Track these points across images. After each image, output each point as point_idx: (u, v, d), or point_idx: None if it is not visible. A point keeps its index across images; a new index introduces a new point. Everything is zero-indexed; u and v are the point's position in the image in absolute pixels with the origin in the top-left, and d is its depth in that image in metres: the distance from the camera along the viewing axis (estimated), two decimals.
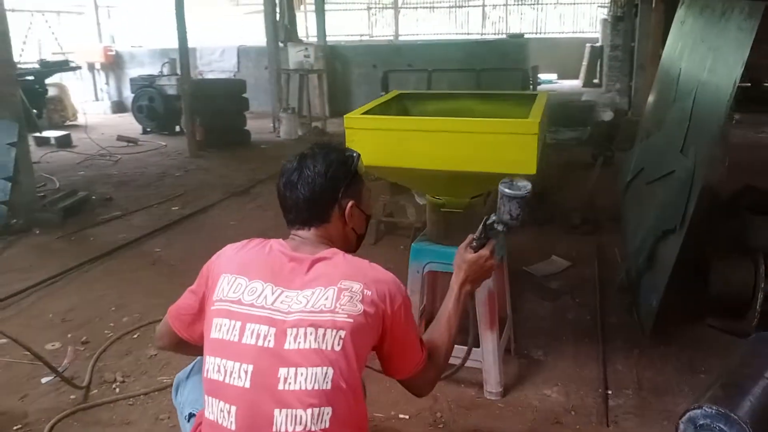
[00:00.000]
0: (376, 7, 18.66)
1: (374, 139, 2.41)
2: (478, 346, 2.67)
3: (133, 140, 8.83)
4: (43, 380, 2.88)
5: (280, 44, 10.09)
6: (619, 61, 10.85)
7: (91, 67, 13.43)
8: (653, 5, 7.07)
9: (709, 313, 3.29)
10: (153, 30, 15.16)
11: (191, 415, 1.70)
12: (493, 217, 1.82)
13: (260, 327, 1.41)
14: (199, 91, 8.17)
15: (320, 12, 11.34)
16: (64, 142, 8.70)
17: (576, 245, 4.44)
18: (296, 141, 8.61)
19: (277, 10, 10.02)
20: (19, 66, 9.29)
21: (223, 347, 1.42)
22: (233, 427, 1.37)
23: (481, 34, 17.29)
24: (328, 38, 12.05)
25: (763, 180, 4.13)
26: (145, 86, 9.60)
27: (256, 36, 13.89)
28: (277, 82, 9.61)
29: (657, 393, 2.75)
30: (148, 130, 9.70)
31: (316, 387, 1.37)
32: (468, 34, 17.46)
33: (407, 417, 2.62)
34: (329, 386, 1.38)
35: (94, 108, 12.83)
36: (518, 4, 17.84)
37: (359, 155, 1.69)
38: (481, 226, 1.84)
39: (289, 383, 1.37)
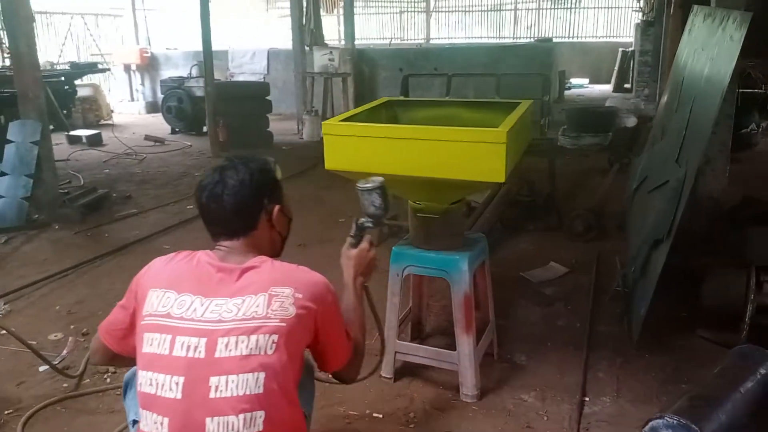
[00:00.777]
0: (408, 11, 18.71)
1: (350, 146, 2.49)
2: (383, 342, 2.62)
3: (160, 140, 9.08)
4: (41, 368, 3.02)
5: (306, 48, 10.23)
6: (649, 66, 10.70)
7: (127, 68, 13.84)
8: (671, 11, 6.98)
9: (702, 324, 3.26)
10: (187, 33, 15.51)
11: (135, 422, 1.73)
12: (362, 219, 2.04)
13: (190, 339, 1.45)
14: (223, 93, 8.36)
15: (349, 16, 11.42)
16: (95, 141, 8.99)
17: (577, 252, 4.43)
18: (318, 142, 8.68)
19: (304, 13, 10.16)
20: (50, 67, 9.67)
21: (155, 361, 1.46)
22: None
23: (513, 38, 17.18)
24: (357, 41, 12.15)
25: None
26: (174, 88, 9.85)
27: (287, 39, 14.12)
28: (302, 85, 9.76)
29: (635, 402, 2.74)
30: (177, 130, 9.96)
31: (248, 392, 1.42)
32: (500, 38, 17.36)
33: (380, 416, 2.67)
34: (261, 390, 1.43)
35: (129, 108, 13.23)
36: (552, 8, 17.67)
37: (276, 161, 1.76)
38: (353, 225, 2.04)
39: (221, 391, 1.41)
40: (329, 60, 9.54)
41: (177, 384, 1.43)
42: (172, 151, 8.49)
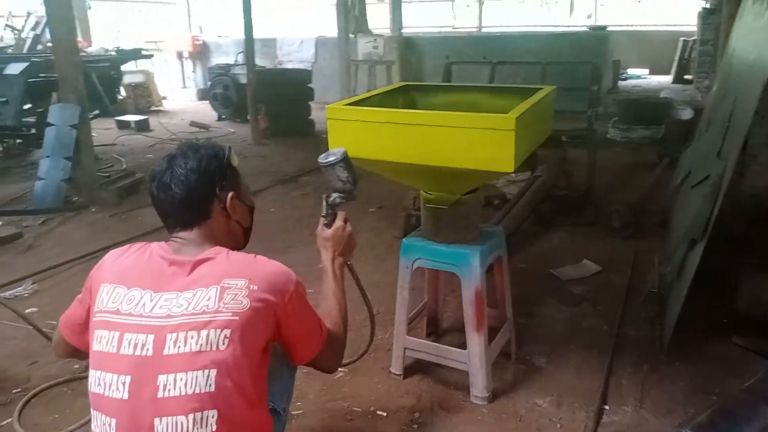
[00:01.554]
0: None
1: (354, 131, 2.38)
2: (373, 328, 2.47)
3: (204, 126, 9.19)
4: None
5: (351, 35, 10.15)
6: (709, 56, 10.16)
7: (179, 55, 14.11)
8: None
9: (738, 331, 3.03)
10: (238, 21, 15.70)
11: None
12: (332, 195, 1.96)
13: (138, 336, 1.38)
14: (265, 81, 8.37)
15: (396, 3, 11.32)
16: (143, 126, 9.18)
17: (614, 250, 4.20)
18: None
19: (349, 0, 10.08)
20: (104, 54, 9.90)
21: (103, 359, 1.40)
22: None
23: (568, 27, 16.66)
24: (409, 30, 11.99)
25: None
26: (220, 75, 9.95)
27: (335, 27, 14.09)
28: (346, 73, 9.70)
29: (658, 413, 2.55)
30: (223, 117, 10.06)
31: (198, 390, 1.34)
32: (555, 26, 16.86)
33: (384, 414, 2.57)
34: (213, 388, 1.35)
35: (181, 95, 13.47)
36: None
37: (231, 148, 1.66)
38: (324, 204, 1.96)
39: (169, 390, 1.34)
40: (373, 47, 9.45)
41: (124, 384, 1.36)
42: (215, 137, 8.57)
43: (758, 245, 3.22)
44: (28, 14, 10.18)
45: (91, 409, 1.42)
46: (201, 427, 1.33)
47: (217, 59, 12.94)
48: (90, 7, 13.55)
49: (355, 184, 1.97)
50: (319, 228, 1.96)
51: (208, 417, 1.34)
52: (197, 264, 1.47)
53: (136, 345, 1.37)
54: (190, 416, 1.33)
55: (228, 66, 10.18)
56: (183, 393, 1.33)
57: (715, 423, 2.02)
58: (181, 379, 1.34)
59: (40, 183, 5.25)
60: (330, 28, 14.65)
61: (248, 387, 1.41)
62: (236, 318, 1.39)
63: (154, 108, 11.32)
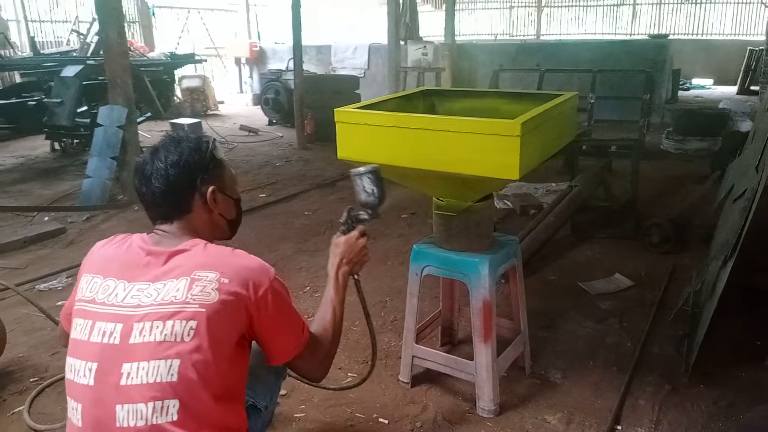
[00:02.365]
0: (518, 6, 18.15)
1: (361, 134, 2.36)
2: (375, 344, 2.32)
3: (253, 130, 9.37)
4: None
5: (401, 42, 10.17)
6: None
7: (237, 61, 14.48)
8: None
9: None
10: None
11: None
12: (358, 210, 1.91)
13: (107, 324, 1.41)
14: (313, 87, 8.48)
15: (450, 10, 11.28)
16: (195, 130, 9.41)
17: (650, 265, 4.03)
18: None
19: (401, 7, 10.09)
20: (165, 58, 10.24)
21: (75, 347, 1.44)
22: (80, 425, 1.39)
23: (630, 35, 16.21)
24: (465, 37, 11.93)
25: None
26: (272, 80, 10.14)
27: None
28: (395, 79, 9.71)
29: None
30: (273, 121, 10.25)
31: (159, 380, 1.35)
32: (615, 34, 16.44)
33: (386, 422, 2.54)
34: (175, 378, 1.36)
35: (237, 100, 13.81)
36: (675, 2, 16.45)
37: (215, 140, 1.66)
38: (345, 213, 1.92)
39: (132, 378, 1.36)
40: (423, 54, 9.43)
41: (90, 370, 1.39)
42: (262, 141, 8.73)
43: None
44: (93, 20, 10.63)
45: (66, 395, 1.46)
46: (161, 416, 1.34)
47: (273, 65, 13.20)
48: (154, 14, 14.07)
49: (380, 200, 1.91)
50: (335, 235, 1.93)
51: (168, 406, 1.35)
52: (172, 255, 1.48)
53: (104, 333, 1.40)
54: (150, 404, 1.34)
55: (279, 72, 10.36)
56: (144, 381, 1.35)
57: None
58: (144, 368, 1.36)
59: (88, 181, 5.46)
60: (384, 35, 14.77)
61: (215, 379, 1.40)
62: (203, 310, 1.39)
63: (210, 112, 11.64)
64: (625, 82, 8.41)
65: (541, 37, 17.40)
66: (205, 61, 10.25)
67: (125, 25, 13.64)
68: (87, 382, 1.39)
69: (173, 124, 9.54)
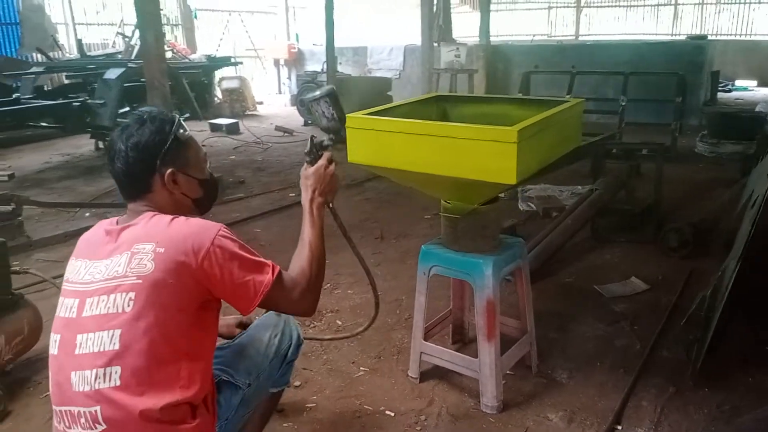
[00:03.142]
0: (557, 7, 18.00)
1: (370, 140, 2.47)
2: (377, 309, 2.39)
3: (288, 131, 9.57)
4: None
5: (435, 44, 10.25)
6: None
7: (276, 62, 14.76)
8: None
9: None
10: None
11: None
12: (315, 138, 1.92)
13: (68, 300, 1.57)
14: (346, 88, 8.63)
15: (484, 11, 11.29)
16: (232, 130, 9.70)
17: (667, 269, 4.04)
18: None
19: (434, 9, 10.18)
20: (205, 60, 10.55)
21: (53, 322, 1.61)
22: (51, 390, 1.56)
23: (671, 35, 15.91)
24: (503, 38, 11.92)
25: None
26: (307, 82, 10.35)
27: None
28: (428, 81, 9.80)
29: None
30: (309, 122, 10.44)
31: (103, 349, 1.48)
32: (656, 35, 16.16)
33: (392, 414, 2.64)
34: (117, 347, 1.48)
35: (275, 100, 14.09)
36: (719, 2, 16.08)
37: (179, 120, 1.70)
38: (308, 143, 1.91)
39: (83, 347, 1.50)
40: (455, 56, 9.48)
41: (55, 341, 1.57)
42: (296, 141, 8.92)
43: None
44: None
45: None
46: (103, 381, 1.47)
47: (310, 66, 13.43)
48: (196, 16, 14.45)
49: (341, 122, 1.92)
50: (302, 168, 1.91)
51: (111, 373, 1.47)
52: (122, 231, 1.60)
53: (67, 308, 1.57)
54: (94, 371, 1.48)
55: (315, 73, 10.56)
56: (92, 351, 1.49)
57: None
58: (91, 339, 1.50)
59: None
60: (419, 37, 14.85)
61: (162, 345, 1.50)
62: (140, 281, 1.50)
63: (248, 112, 11.91)
64: (659, 84, 8.30)
65: (580, 38, 17.22)
66: (241, 63, 10.51)
67: (169, 27, 14.18)
68: (53, 352, 1.57)
69: (212, 124, 9.84)
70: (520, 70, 11.55)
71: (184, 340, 1.55)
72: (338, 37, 13.63)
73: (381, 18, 17.19)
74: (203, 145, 1.77)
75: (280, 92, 14.81)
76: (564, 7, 17.97)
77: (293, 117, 11.11)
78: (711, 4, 16.04)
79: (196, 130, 9.49)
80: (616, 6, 17.38)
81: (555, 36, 17.69)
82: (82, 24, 13.87)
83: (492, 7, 13.01)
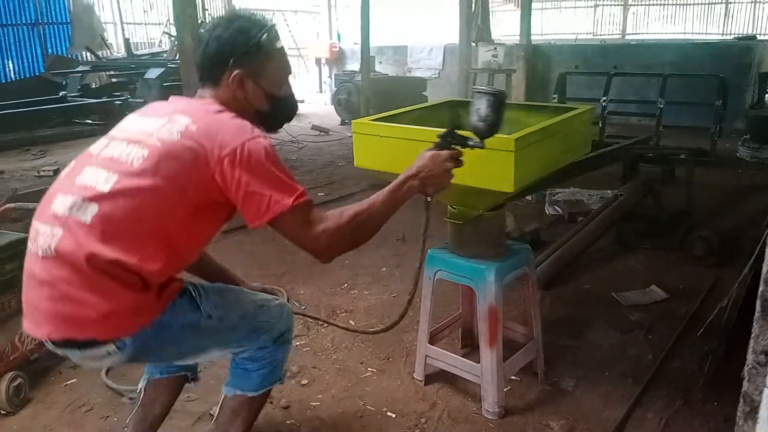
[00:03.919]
0: (603, 5, 17.65)
1: (375, 145, 2.52)
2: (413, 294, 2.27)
3: (324, 130, 9.68)
4: None
5: (473, 44, 10.20)
6: None
7: (318, 61, 14.91)
8: None
9: None
10: (376, 29, 16.30)
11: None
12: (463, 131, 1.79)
13: (102, 140, 1.67)
14: (381, 88, 8.69)
15: (526, 10, 11.15)
16: None
17: (691, 278, 3.95)
18: None
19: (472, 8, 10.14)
20: None
21: None
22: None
23: (722, 35, 15.42)
24: (547, 36, 11.77)
25: None
26: (345, 81, 10.43)
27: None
28: (465, 81, 9.77)
29: None
30: (345, 121, 10.53)
31: (94, 185, 1.53)
32: (706, 34, 15.69)
33: (393, 416, 2.68)
34: (106, 189, 1.52)
35: (317, 99, 14.24)
36: None
37: (273, 28, 1.70)
38: (447, 129, 1.79)
39: (82, 178, 1.57)
40: (493, 56, 9.42)
41: (69, 167, 1.67)
42: (331, 141, 9.02)
43: None
44: None
45: None
46: (77, 212, 1.51)
47: (351, 65, 13.53)
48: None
49: (490, 128, 1.75)
50: (426, 149, 1.81)
51: (86, 207, 1.51)
52: (178, 102, 1.70)
53: (97, 145, 1.68)
54: (74, 198, 1.53)
55: (352, 73, 10.64)
56: (84, 183, 1.56)
57: None
58: (92, 173, 1.57)
59: None
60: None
61: (149, 212, 1.52)
62: (159, 144, 1.54)
63: None
64: (701, 86, 8.08)
65: (626, 37, 16.86)
66: None
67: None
68: (61, 176, 1.66)
69: None
70: (560, 71, 11.41)
71: (172, 223, 1.54)
72: (379, 35, 13.68)
73: (422, 16, 17.19)
74: None
75: (321, 91, 14.96)
76: (611, 5, 17.61)
77: (331, 116, 11.21)
78: (765, 2, 15.46)
79: None
80: (665, 4, 16.93)
81: (600, 35, 17.35)
82: (130, 23, 14.32)
83: (538, 5, 12.88)
